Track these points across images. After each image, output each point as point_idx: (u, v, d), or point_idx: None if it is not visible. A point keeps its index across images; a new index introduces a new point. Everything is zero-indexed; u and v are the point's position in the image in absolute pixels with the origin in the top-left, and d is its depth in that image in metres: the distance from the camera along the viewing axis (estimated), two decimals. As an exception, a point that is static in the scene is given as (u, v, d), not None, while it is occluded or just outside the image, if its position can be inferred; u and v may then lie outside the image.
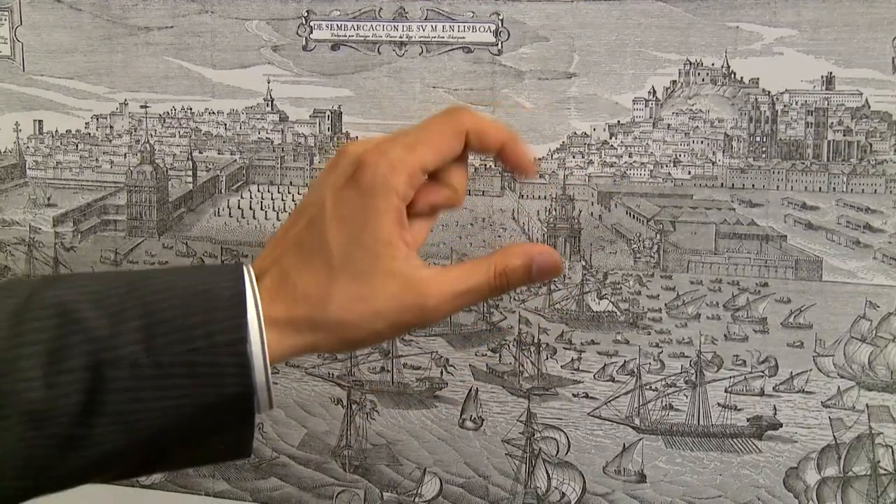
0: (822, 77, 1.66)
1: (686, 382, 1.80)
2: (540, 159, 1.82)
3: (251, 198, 1.92)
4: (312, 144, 1.90)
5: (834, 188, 1.71)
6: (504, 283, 0.93)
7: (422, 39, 1.77)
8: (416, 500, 1.92)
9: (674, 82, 1.73)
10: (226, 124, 1.91)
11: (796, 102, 1.70)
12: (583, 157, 1.80)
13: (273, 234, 0.97)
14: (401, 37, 1.78)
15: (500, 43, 1.75)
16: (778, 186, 1.73)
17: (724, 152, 1.75)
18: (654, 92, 1.74)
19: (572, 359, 1.83)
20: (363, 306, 0.84)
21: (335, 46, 1.82)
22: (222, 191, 1.94)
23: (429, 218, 1.00)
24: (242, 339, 0.80)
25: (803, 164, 1.72)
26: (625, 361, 1.81)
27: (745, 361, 1.77)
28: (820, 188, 1.72)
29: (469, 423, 1.90)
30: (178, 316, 0.79)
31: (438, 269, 0.89)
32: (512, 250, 0.95)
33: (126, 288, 0.83)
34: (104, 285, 0.83)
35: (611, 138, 1.78)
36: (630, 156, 1.79)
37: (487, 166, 1.86)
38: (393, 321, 0.86)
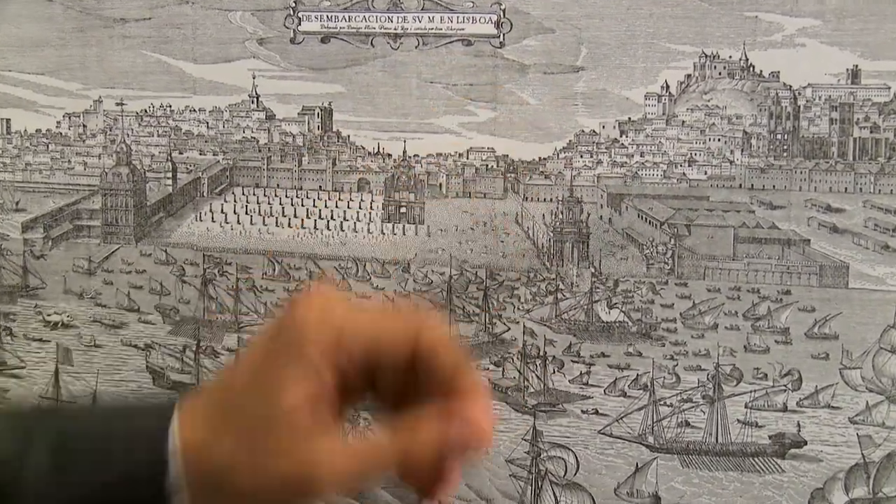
0: (848, 70, 1.66)
1: (703, 397, 1.80)
2: (545, 159, 1.82)
3: (235, 201, 1.92)
4: (301, 144, 1.90)
5: (861, 189, 1.72)
6: (409, 467, 0.79)
7: (418, 31, 1.78)
8: (414, 525, 1.91)
9: (688, 76, 1.74)
10: (208, 122, 1.92)
11: (820, 97, 1.70)
12: (591, 157, 1.80)
13: (213, 380, 0.91)
14: (395, 28, 1.78)
15: (502, 35, 1.75)
16: (801, 187, 1.73)
17: (742, 151, 1.75)
18: (668, 86, 1.74)
19: (581, 372, 1.82)
20: (257, 479, 0.79)
21: (325, 39, 1.82)
22: (204, 194, 1.95)
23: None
24: (162, 476, 0.78)
25: (828, 163, 1.73)
26: (637, 375, 1.81)
27: (766, 374, 1.77)
28: (846, 189, 1.73)
29: (471, 442, 1.88)
30: (95, 444, 0.79)
31: (338, 444, 0.81)
32: (424, 421, 0.78)
33: (42, 415, 0.85)
34: (18, 415, 0.85)
35: (621, 136, 1.78)
36: (642, 155, 1.79)
37: (489, 166, 1.86)
38: (285, 500, 0.80)
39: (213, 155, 1.93)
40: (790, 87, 1.69)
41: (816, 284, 1.73)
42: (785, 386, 1.77)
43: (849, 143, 1.71)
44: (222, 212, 1.94)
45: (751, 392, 1.78)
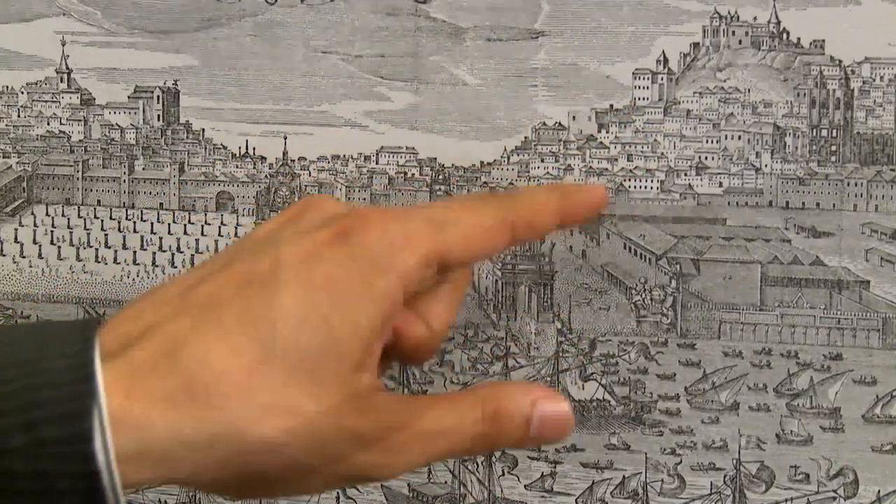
0: (919, 40, 1.53)
1: (719, 509, 1.67)
2: (490, 164, 1.69)
3: (35, 225, 1.77)
4: (133, 142, 1.76)
5: (938, 208, 1.62)
6: (494, 434, 0.88)
7: (307, -19, 1.68)
8: None
9: (695, 46, 1.62)
10: (-5, 110, 1.81)
11: (881, 77, 1.58)
12: (557, 161, 1.69)
13: (153, 287, 0.90)
14: (274, -24, 1.67)
15: (427, -16, 1.65)
16: (855, 206, 1.62)
17: (773, 153, 1.64)
18: (666, 60, 1.62)
19: (542, 474, 1.68)
20: (298, 425, 0.79)
21: (169, -12, 1.71)
22: (-11, 215, 1.83)
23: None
24: (85, 435, 0.73)
25: (893, 170, 1.60)
26: (624, 478, 1.67)
27: (808, 475, 1.62)
28: (918, 208, 1.63)
29: (386, 574, 1.76)
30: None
31: (401, 396, 0.95)
32: (506, 387, 0.94)
33: None
34: None
35: (599, 131, 1.68)
36: (630, 158, 1.68)
37: (408, 175, 1.73)
38: (333, 462, 0.81)
39: (3, 158, 1.78)
40: (840, 62, 1.58)
41: (878, 345, 1.61)
42: (835, 492, 1.63)
43: (922, 143, 1.62)
44: (16, 241, 1.78)
45: (787, 501, 1.64)
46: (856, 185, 1.59)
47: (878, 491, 1.58)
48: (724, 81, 1.61)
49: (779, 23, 1.56)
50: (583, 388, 1.65)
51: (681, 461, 1.62)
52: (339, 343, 0.79)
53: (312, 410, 0.78)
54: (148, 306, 0.83)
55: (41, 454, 0.72)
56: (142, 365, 0.78)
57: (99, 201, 1.72)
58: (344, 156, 1.72)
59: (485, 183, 1.66)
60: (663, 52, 1.58)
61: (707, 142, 1.62)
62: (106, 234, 1.71)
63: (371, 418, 0.81)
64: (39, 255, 1.71)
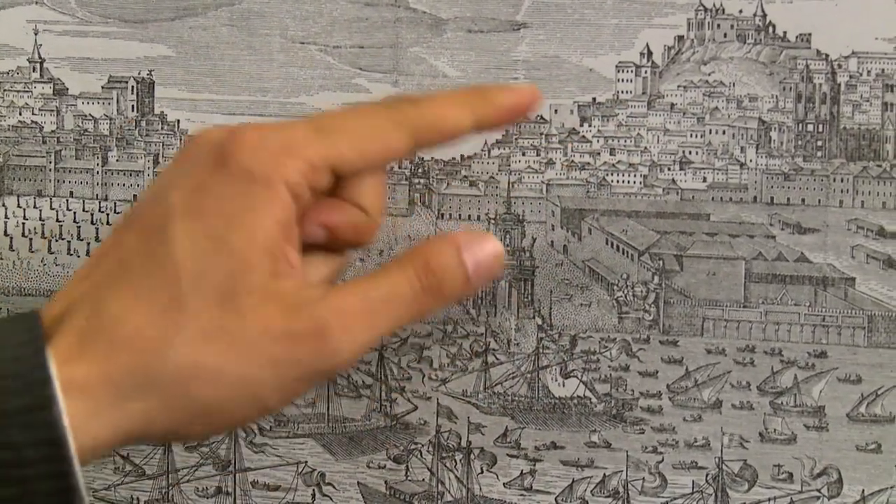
0: (906, 34, 1.53)
1: (702, 509, 1.65)
2: (470, 157, 1.68)
3: (7, 217, 1.75)
4: (107, 132, 1.73)
5: (925, 204, 1.60)
6: (434, 287, 0.92)
7: (286, -30, 1.66)
8: None
9: (680, 38, 1.61)
10: (-34, 100, 1.77)
11: (869, 71, 1.58)
12: (538, 155, 1.67)
13: (85, 260, 1.01)
14: (252, -35, 1.65)
15: (408, -28, 1.63)
16: (841, 202, 1.61)
17: (758, 148, 1.63)
18: (650, 53, 1.61)
19: (522, 472, 1.67)
20: (227, 344, 0.83)
21: (145, -24, 1.68)
22: (-40, 206, 1.79)
23: (329, 255, 1.00)
24: (46, 402, 0.77)
25: (880, 166, 1.59)
26: (604, 476, 1.65)
27: (791, 474, 1.62)
28: (904, 205, 1.61)
29: (360, 574, 1.72)
30: None
31: (333, 285, 0.94)
32: (428, 242, 0.95)
33: None
34: None
35: (582, 125, 1.66)
36: (612, 153, 1.66)
37: (387, 167, 1.70)
38: (277, 367, 0.85)
39: (-25, 148, 1.78)
40: (826, 55, 1.57)
41: (864, 343, 1.61)
42: (818, 491, 1.62)
43: (909, 139, 1.61)
44: (-12, 231, 1.75)
45: (770, 500, 1.64)
46: (842, 180, 1.59)
47: (863, 490, 1.57)
48: (709, 75, 1.60)
49: (765, 16, 1.55)
50: (563, 386, 1.64)
51: (662, 459, 1.61)
52: (243, 259, 0.83)
53: (236, 326, 0.82)
54: (72, 284, 0.89)
55: (6, 424, 0.76)
56: (76, 336, 0.84)
57: (72, 193, 1.70)
58: (323, 147, 1.70)
59: (465, 177, 1.66)
60: (647, 45, 1.57)
61: (691, 136, 1.61)
62: (79, 227, 1.69)
63: (303, 315, 0.85)
64: (10, 248, 1.69)
